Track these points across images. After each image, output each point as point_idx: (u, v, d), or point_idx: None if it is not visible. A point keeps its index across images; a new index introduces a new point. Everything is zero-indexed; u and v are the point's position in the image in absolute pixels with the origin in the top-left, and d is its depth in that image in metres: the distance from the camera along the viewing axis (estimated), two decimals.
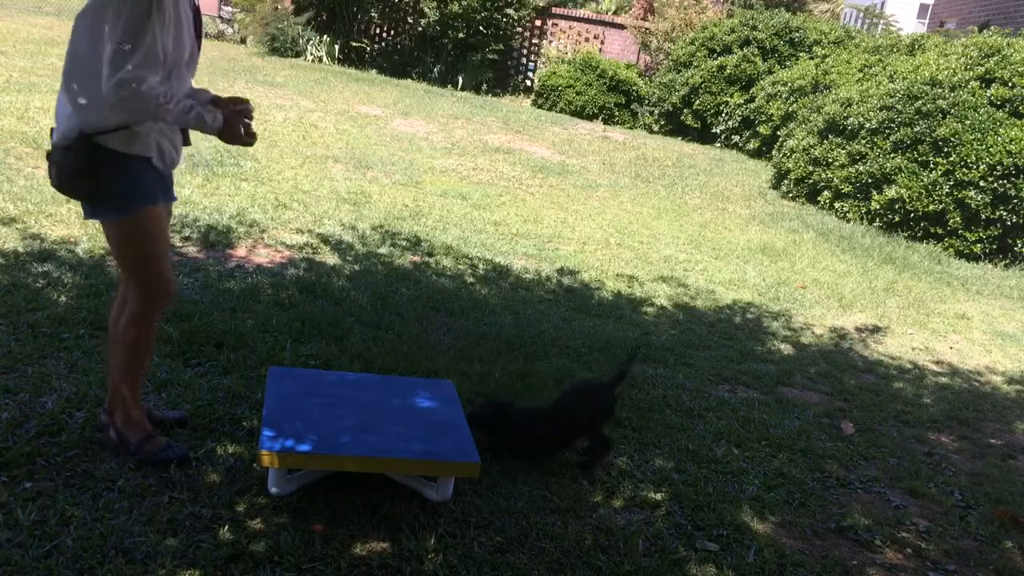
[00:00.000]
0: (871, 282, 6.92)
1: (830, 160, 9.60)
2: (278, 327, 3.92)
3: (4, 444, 2.65)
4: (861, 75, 11.06)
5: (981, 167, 8.32)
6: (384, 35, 16.20)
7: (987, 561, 3.03)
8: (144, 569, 2.24)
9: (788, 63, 13.27)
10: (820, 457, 3.64)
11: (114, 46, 2.28)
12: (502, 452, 3.12)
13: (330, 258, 5.21)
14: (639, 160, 11.13)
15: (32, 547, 2.25)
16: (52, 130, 2.49)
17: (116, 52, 2.28)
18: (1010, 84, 8.83)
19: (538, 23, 16.26)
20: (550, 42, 16.32)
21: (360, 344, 3.90)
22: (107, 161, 2.43)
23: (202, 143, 7.07)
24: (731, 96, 13.33)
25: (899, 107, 9.12)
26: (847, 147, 9.46)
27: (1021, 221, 8.32)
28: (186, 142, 2.68)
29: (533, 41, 16.47)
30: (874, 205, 8.95)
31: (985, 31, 10.22)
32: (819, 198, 9.71)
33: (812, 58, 12.86)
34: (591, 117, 14.28)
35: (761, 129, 12.41)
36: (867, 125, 9.28)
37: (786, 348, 5.10)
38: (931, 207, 8.54)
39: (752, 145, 12.73)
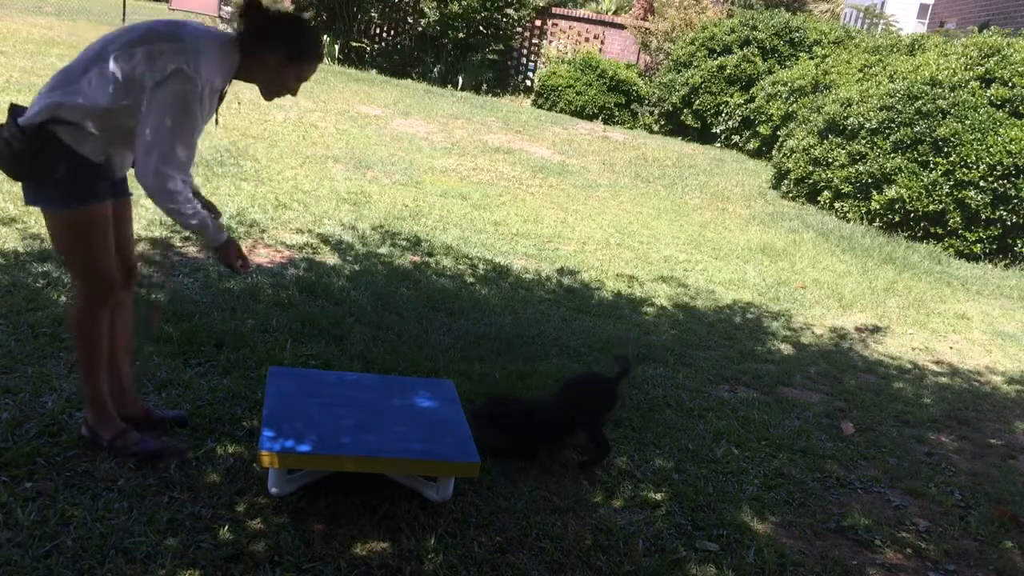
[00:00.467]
0: (871, 282, 6.92)
1: (830, 160, 9.60)
2: (278, 327, 3.92)
3: (4, 444, 2.65)
4: (861, 75, 11.06)
5: (981, 167, 8.32)
6: (384, 35, 16.20)
7: (987, 561, 3.03)
8: (144, 569, 2.24)
9: (788, 63, 13.28)
10: (820, 457, 3.64)
11: (154, 140, 2.36)
12: (505, 449, 3.13)
13: (330, 258, 5.21)
14: (639, 160, 11.14)
15: (32, 547, 2.25)
16: (11, 104, 2.46)
17: (157, 146, 2.36)
18: (1010, 84, 8.83)
19: (538, 23, 16.26)
20: (550, 42, 16.33)
21: (360, 344, 3.90)
22: (56, 152, 2.41)
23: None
24: (731, 96, 13.33)
25: (899, 107, 9.12)
26: (847, 147, 9.46)
27: (1021, 221, 8.32)
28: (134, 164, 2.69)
29: (533, 41, 16.47)
30: (874, 205, 8.95)
31: (985, 31, 10.23)
32: (819, 198, 9.71)
33: (812, 58, 12.86)
34: (591, 117, 14.28)
35: (761, 129, 12.41)
36: (867, 125, 9.28)
37: (786, 348, 5.10)
38: (931, 207, 8.54)
39: (752, 145, 12.73)
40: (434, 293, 4.86)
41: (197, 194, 2.69)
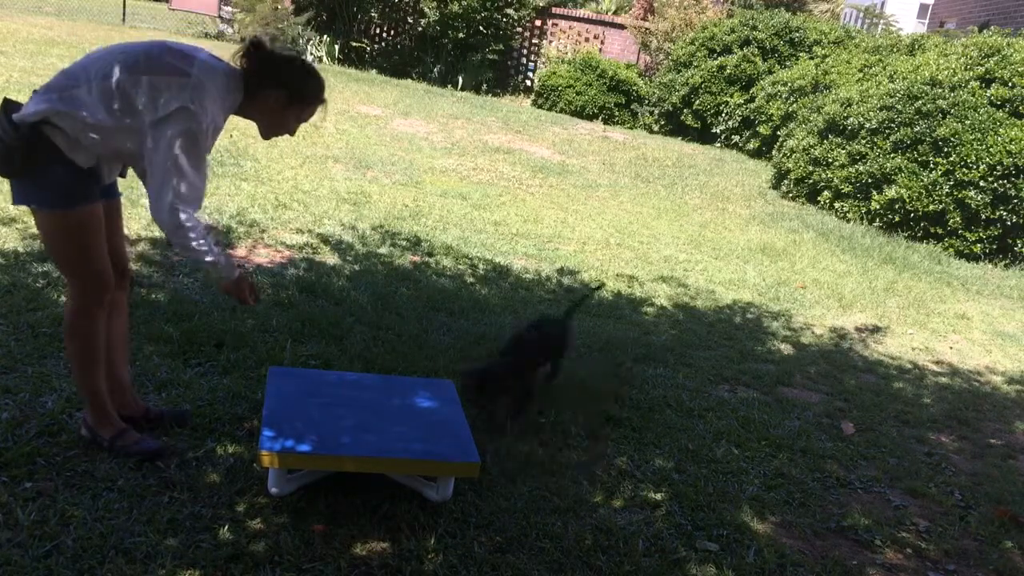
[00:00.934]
0: (871, 282, 6.92)
1: (830, 160, 9.61)
2: (278, 327, 3.92)
3: (4, 444, 2.65)
4: (861, 75, 11.06)
5: (981, 167, 8.32)
6: (384, 35, 16.20)
7: (987, 561, 3.03)
8: (144, 569, 2.24)
9: (788, 63, 13.28)
10: (820, 457, 3.64)
11: (165, 178, 2.37)
12: (501, 418, 3.29)
13: (330, 258, 5.21)
14: (639, 160, 11.14)
15: (32, 547, 2.25)
16: (4, 99, 2.45)
17: (170, 183, 2.38)
18: (1010, 84, 8.83)
19: (538, 23, 16.26)
20: (550, 42, 16.33)
21: (360, 344, 3.90)
22: (48, 154, 2.40)
23: None
24: (731, 96, 13.34)
25: (899, 107, 9.12)
26: (847, 147, 9.46)
27: (1021, 221, 8.32)
28: (122, 174, 2.68)
29: (533, 41, 16.47)
30: (874, 205, 8.95)
31: (985, 31, 10.23)
32: (819, 198, 9.71)
33: (812, 58, 12.86)
34: (591, 117, 14.29)
35: (761, 129, 12.41)
36: (867, 125, 9.28)
37: (786, 348, 5.10)
38: (931, 207, 8.54)
39: (752, 145, 12.73)
40: (434, 293, 4.86)
41: (209, 229, 2.69)
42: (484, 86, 15.43)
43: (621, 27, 16.19)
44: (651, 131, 14.28)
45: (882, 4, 25.69)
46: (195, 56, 2.48)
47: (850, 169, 9.30)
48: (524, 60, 16.62)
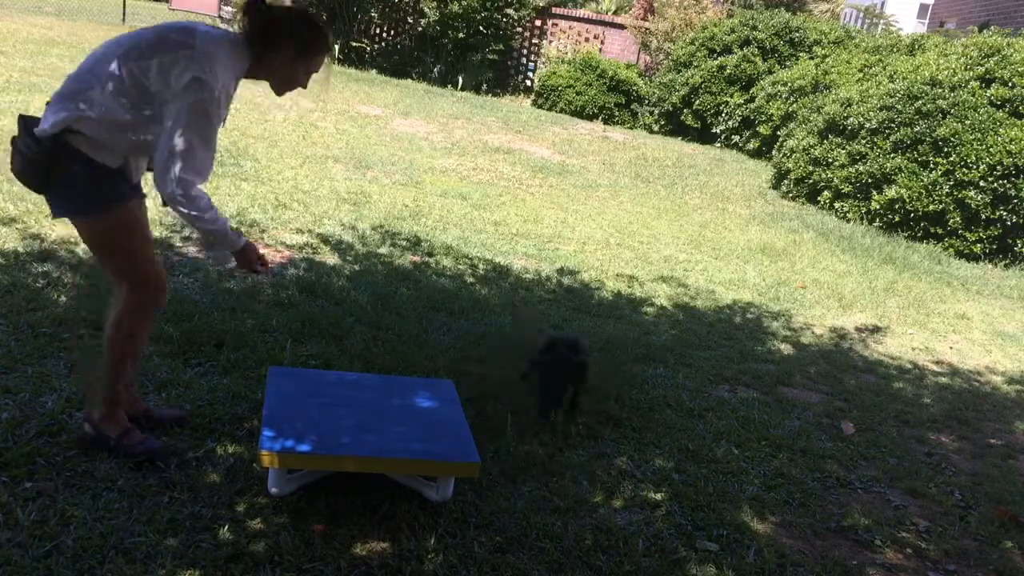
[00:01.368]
0: (871, 282, 6.92)
1: (830, 160, 9.60)
2: (278, 327, 3.92)
3: (4, 444, 2.65)
4: (861, 75, 11.06)
5: (981, 167, 8.32)
6: (384, 35, 16.20)
7: (987, 561, 3.03)
8: (144, 569, 2.24)
9: (788, 63, 13.28)
10: (820, 457, 3.64)
11: (175, 148, 2.35)
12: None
13: (330, 258, 5.21)
14: (639, 160, 11.14)
15: (32, 547, 2.25)
16: (20, 116, 2.46)
17: (179, 153, 2.35)
18: (1010, 84, 8.83)
19: (538, 23, 16.26)
20: (550, 42, 16.33)
21: (360, 344, 3.90)
22: (73, 160, 2.41)
23: None
24: (731, 96, 13.34)
25: (899, 107, 9.12)
26: (847, 147, 9.46)
27: (1021, 221, 8.32)
28: (149, 167, 2.68)
29: (533, 41, 16.47)
30: (874, 205, 8.95)
31: (985, 31, 10.23)
32: (819, 198, 9.71)
33: (812, 58, 12.86)
34: (591, 117, 14.29)
35: (761, 129, 12.41)
36: (867, 125, 9.28)
37: (786, 348, 5.10)
38: (931, 207, 8.54)
39: (752, 145, 12.73)
40: (434, 293, 4.86)
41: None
42: (484, 86, 15.43)
43: (621, 27, 16.20)
44: (651, 131, 14.28)
45: (882, 4, 25.70)
46: (195, 28, 2.48)
47: (850, 169, 9.30)
48: (524, 60, 16.62)
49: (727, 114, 13.38)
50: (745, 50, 13.53)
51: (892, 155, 8.95)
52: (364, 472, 2.69)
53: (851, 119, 9.56)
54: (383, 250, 5.58)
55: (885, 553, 2.98)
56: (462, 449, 2.73)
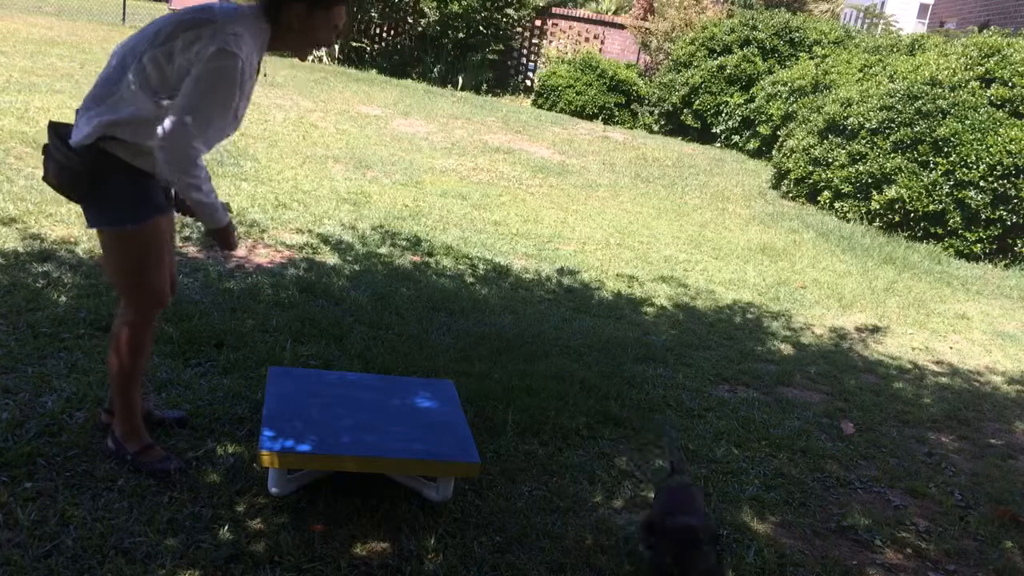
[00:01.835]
0: (871, 282, 6.92)
1: (830, 160, 9.60)
2: (278, 327, 3.92)
3: (4, 444, 2.65)
4: (861, 75, 11.06)
5: (981, 167, 8.32)
6: (384, 35, 16.20)
7: (987, 561, 3.03)
8: (144, 569, 2.24)
9: (788, 63, 13.28)
10: (820, 457, 3.64)
11: (188, 110, 2.32)
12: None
13: (330, 258, 5.21)
14: (639, 160, 11.14)
15: (32, 547, 2.25)
16: (50, 123, 2.46)
17: (184, 125, 2.32)
18: (1010, 84, 8.83)
19: (538, 23, 16.26)
20: (550, 42, 16.33)
21: (360, 344, 3.90)
22: (114, 169, 2.41)
23: None
24: (731, 96, 13.33)
25: (899, 107, 9.12)
26: (847, 147, 9.46)
27: (1021, 221, 8.32)
28: None
29: (533, 41, 16.47)
30: (874, 205, 8.95)
31: (985, 31, 10.22)
32: (819, 198, 9.70)
33: (812, 58, 12.86)
34: (591, 117, 14.29)
35: (761, 129, 12.41)
36: (867, 125, 9.28)
37: (786, 348, 5.10)
38: (931, 207, 8.54)
39: (752, 145, 12.73)
40: (434, 293, 4.86)
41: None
42: (484, 86, 15.42)
43: (621, 27, 16.20)
44: (651, 131, 14.28)
45: (882, 4, 25.70)
46: (212, 5, 2.47)
47: (850, 169, 9.29)
48: (524, 60, 16.62)
49: (727, 114, 13.38)
50: (745, 50, 13.53)
51: (892, 155, 8.95)
52: (364, 472, 2.69)
53: (851, 119, 9.56)
54: (383, 250, 5.58)
55: (885, 553, 2.98)
56: (462, 449, 2.73)
